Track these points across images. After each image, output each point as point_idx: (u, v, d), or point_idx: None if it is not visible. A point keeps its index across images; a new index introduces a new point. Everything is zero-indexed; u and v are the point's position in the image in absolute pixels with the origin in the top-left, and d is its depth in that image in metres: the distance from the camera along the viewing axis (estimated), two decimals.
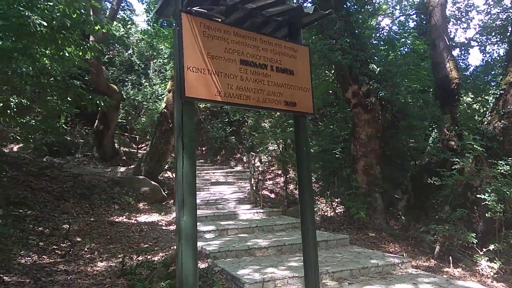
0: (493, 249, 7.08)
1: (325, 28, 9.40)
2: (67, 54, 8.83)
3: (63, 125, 20.78)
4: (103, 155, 18.54)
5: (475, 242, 7.12)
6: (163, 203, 12.55)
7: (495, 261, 6.91)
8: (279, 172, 18.02)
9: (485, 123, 8.54)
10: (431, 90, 11.57)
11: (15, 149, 16.91)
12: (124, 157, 19.87)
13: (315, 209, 10.77)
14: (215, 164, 22.94)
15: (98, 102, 8.68)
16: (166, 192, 13.98)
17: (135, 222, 10.03)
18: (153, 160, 15.05)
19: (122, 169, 17.21)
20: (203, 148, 25.02)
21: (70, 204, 10.24)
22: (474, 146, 7.35)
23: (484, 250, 7.29)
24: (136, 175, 14.50)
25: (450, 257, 7.18)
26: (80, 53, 8.92)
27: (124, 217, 10.35)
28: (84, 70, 16.54)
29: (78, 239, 7.90)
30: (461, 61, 23.12)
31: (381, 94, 8.92)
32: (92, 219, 9.58)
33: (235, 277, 5.96)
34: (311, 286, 2.96)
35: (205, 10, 2.50)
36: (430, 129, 10.38)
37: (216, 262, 6.86)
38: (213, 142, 23.78)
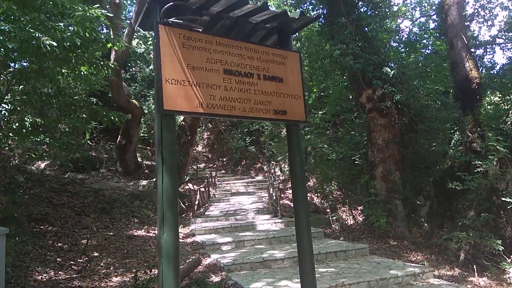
0: None
1: (336, 33, 9.26)
2: (83, 73, 9.09)
3: (88, 141, 21.40)
4: (126, 169, 18.84)
5: (501, 249, 6.72)
6: (182, 215, 12.58)
7: None
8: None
9: (508, 123, 8.14)
10: (451, 91, 11.17)
11: (42, 166, 17.42)
12: (147, 171, 20.13)
13: (334, 218, 10.52)
14: (236, 174, 22.96)
15: (113, 117, 8.81)
16: (186, 205, 14.04)
17: (153, 235, 10.06)
18: None
19: (144, 182, 17.39)
20: (224, 159, 25.12)
21: (90, 219, 10.41)
22: (497, 147, 6.98)
23: None
24: (156, 189, 14.65)
25: (475, 265, 6.79)
26: (95, 72, 9.14)
27: (143, 230, 10.41)
28: (107, 87, 17.05)
29: (95, 254, 7.97)
30: (487, 60, 22.36)
31: (396, 98, 8.66)
32: (111, 233, 9.69)
33: None
34: None
35: (181, 21, 2.45)
36: (452, 131, 9.99)
37: (230, 275, 6.76)
38: (234, 152, 23.83)
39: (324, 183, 14.18)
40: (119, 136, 18.39)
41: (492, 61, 24.62)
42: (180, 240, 9.58)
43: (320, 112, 14.09)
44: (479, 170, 7.56)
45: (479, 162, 7.54)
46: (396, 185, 9.24)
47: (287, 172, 19.19)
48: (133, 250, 8.47)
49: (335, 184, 13.77)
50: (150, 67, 26.46)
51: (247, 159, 23.76)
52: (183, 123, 15.37)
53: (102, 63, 8.74)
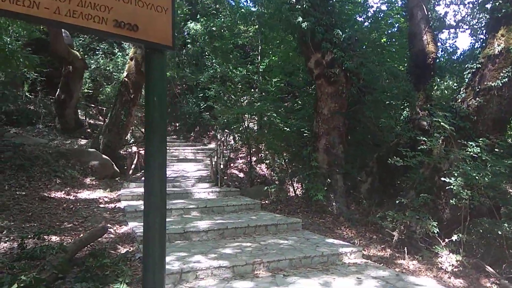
0: (456, 240, 6.31)
1: None
2: None
3: (27, 94, 19.65)
4: (65, 126, 17.42)
5: (436, 232, 6.33)
6: (115, 179, 11.59)
7: (457, 253, 6.15)
8: (253, 150, 17.03)
9: (459, 100, 7.69)
10: (406, 65, 10.62)
11: None
12: (89, 130, 18.79)
13: (273, 190, 9.91)
14: (188, 141, 22.02)
15: (22, 60, 7.56)
16: (125, 168, 13.02)
17: (73, 198, 9.07)
18: (113, 133, 14.01)
19: (83, 141, 16.14)
20: (177, 124, 23.98)
21: (3, 176, 9.25)
22: (442, 124, 6.46)
23: (447, 240, 6.53)
24: (94, 148, 13.47)
25: (406, 247, 6.40)
26: None
27: (63, 192, 9.38)
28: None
29: None
30: (449, 44, 22.25)
31: (346, 65, 7.95)
32: (23, 193, 8.60)
33: None
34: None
35: None
36: (402, 107, 9.49)
37: (142, 247, 5.96)
38: (187, 118, 22.76)
39: (276, 155, 13.56)
40: (58, 89, 16.84)
41: (454, 46, 24.59)
42: (101, 206, 8.67)
43: (274, 80, 13.24)
44: (422, 147, 7.07)
45: (423, 138, 7.04)
46: (339, 159, 8.68)
47: (239, 141, 18.42)
48: (40, 213, 7.47)
49: (284, 156, 13.21)
50: None
51: (201, 126, 22.79)
52: (126, 79, 14.08)
53: None
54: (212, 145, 20.42)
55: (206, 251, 5.81)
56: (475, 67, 7.52)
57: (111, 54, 23.11)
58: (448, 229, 7.45)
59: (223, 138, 18.42)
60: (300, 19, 7.60)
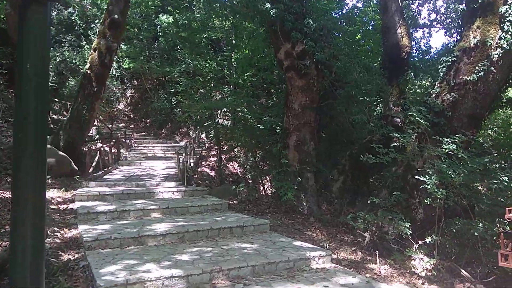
0: (429, 241, 5.96)
1: None
2: None
3: None
4: None
5: (409, 233, 5.97)
6: (74, 177, 10.79)
7: (430, 256, 5.81)
8: (225, 148, 16.45)
9: (433, 95, 7.36)
10: (379, 59, 10.30)
11: None
12: (52, 125, 17.78)
13: (242, 189, 9.39)
14: (159, 138, 21.29)
15: None
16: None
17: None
18: (74, 128, 13.14)
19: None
20: (148, 121, 23.14)
21: None
22: (417, 118, 6.10)
23: (420, 242, 6.18)
24: (54, 145, 12.60)
25: (377, 250, 6.00)
26: None
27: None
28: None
29: None
30: (424, 44, 22.30)
31: (317, 56, 7.50)
32: None
33: (94, 276, 4.47)
34: None
35: None
36: (376, 103, 9.15)
37: (88, 254, 5.34)
38: (158, 114, 21.97)
39: (248, 152, 13.06)
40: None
41: (428, 45, 24.72)
42: (52, 207, 7.92)
43: (243, 73, 12.68)
44: (396, 144, 6.70)
45: (396, 134, 6.67)
46: (310, 156, 8.24)
47: (212, 138, 17.82)
48: None
49: (257, 154, 12.71)
50: (70, 10, 23.26)
51: (173, 122, 22.03)
52: (89, 72, 13.23)
53: None
54: (184, 143, 19.77)
55: (160, 258, 5.23)
56: (450, 60, 7.21)
57: (78, 46, 22.06)
58: (421, 230, 7.13)
59: (195, 135, 17.82)
60: (268, 5, 7.09)
